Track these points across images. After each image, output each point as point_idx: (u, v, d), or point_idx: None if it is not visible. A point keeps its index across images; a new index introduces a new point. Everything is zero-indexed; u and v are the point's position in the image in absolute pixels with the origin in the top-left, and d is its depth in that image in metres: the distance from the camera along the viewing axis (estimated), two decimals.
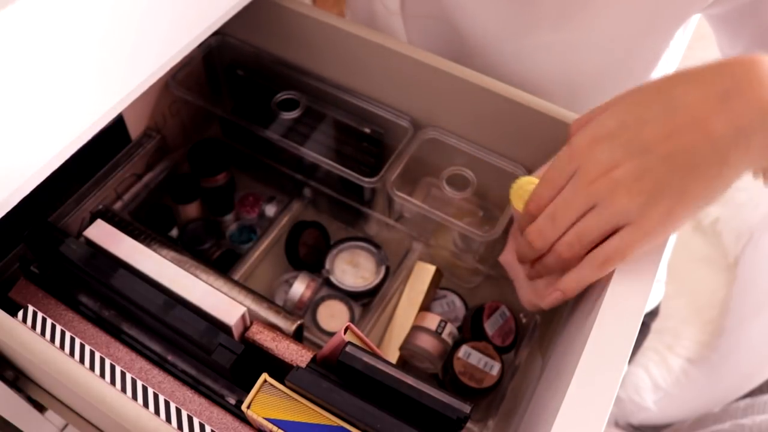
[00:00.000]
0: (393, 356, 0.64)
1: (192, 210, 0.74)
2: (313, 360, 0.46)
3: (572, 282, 0.46)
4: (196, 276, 0.49)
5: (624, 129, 0.43)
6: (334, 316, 0.69)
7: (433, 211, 0.61)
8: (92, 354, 0.45)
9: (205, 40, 0.55)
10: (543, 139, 0.59)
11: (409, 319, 0.65)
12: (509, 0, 0.62)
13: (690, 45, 0.70)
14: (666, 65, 0.69)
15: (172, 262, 0.49)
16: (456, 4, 0.66)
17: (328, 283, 0.70)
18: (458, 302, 0.70)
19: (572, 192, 0.44)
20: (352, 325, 0.45)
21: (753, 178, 0.44)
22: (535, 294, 0.49)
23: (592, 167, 0.43)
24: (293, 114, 0.69)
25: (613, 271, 0.45)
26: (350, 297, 0.70)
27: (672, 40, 0.64)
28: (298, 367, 0.43)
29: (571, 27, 0.61)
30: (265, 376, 0.42)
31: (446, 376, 0.63)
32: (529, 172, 0.58)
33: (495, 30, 0.65)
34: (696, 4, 0.59)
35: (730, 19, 0.60)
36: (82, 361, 0.45)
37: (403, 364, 0.66)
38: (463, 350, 0.62)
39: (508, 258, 0.52)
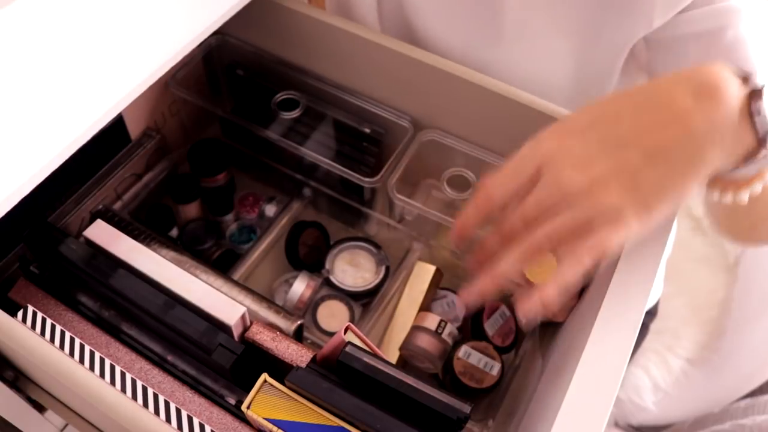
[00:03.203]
0: (393, 356, 0.64)
1: (192, 210, 0.74)
2: (313, 360, 0.46)
3: (554, 288, 0.40)
4: (196, 276, 0.49)
5: (597, 124, 0.41)
6: (334, 316, 0.69)
7: (434, 213, 0.61)
8: (92, 354, 0.45)
9: (205, 40, 0.56)
10: None
11: (409, 319, 0.65)
12: (472, 16, 0.64)
13: None
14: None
15: (171, 262, 0.49)
16: (424, 19, 0.67)
17: (328, 283, 0.70)
18: (458, 302, 0.70)
19: (545, 191, 0.40)
20: (352, 325, 0.45)
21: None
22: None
23: (563, 163, 0.40)
24: (293, 114, 0.69)
25: (612, 272, 0.45)
26: (350, 297, 0.70)
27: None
28: (298, 367, 0.43)
29: (532, 40, 0.62)
30: (265, 376, 0.42)
31: (446, 376, 0.63)
32: None
33: (461, 45, 0.67)
34: (641, 29, 0.59)
35: (671, 47, 0.59)
36: (81, 361, 0.45)
37: (403, 364, 0.66)
38: (463, 350, 0.62)
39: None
